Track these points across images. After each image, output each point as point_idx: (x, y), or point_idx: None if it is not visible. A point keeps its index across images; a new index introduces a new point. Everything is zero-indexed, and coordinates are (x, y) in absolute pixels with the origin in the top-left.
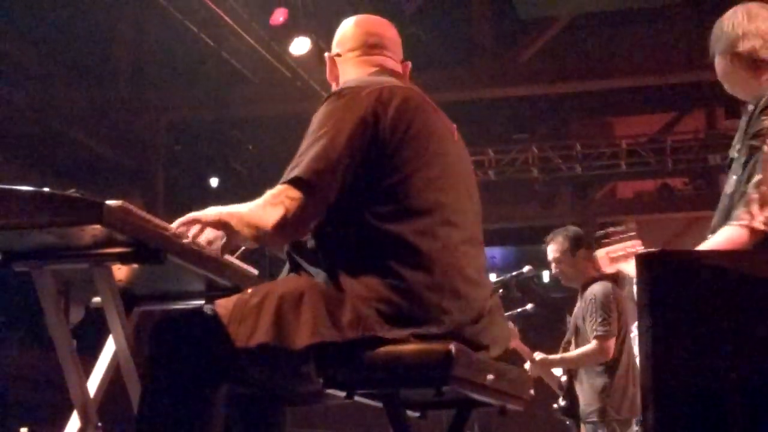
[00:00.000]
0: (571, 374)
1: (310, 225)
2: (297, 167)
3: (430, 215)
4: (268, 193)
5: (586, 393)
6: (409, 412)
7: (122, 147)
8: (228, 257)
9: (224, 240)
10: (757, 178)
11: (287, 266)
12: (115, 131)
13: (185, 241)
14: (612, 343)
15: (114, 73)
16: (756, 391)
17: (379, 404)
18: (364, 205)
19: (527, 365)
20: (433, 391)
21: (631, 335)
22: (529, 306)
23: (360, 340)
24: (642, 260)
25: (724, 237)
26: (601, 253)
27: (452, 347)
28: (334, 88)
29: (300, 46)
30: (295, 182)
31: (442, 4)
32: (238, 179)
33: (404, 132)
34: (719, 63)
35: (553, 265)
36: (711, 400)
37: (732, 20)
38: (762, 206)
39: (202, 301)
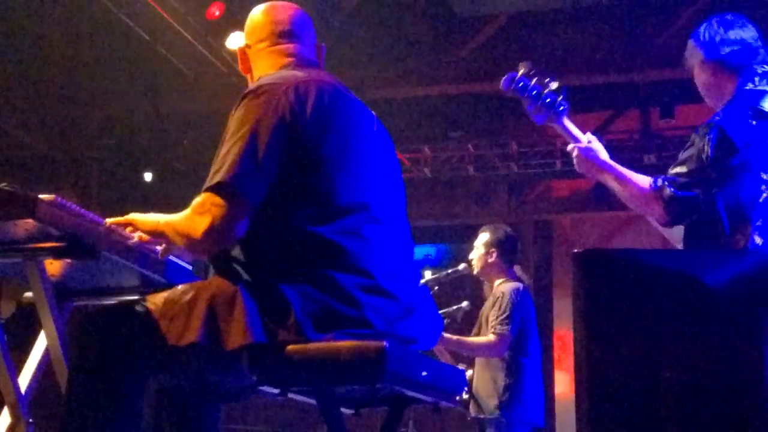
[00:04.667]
0: (475, 372)
1: (239, 230)
2: (219, 172)
3: (354, 214)
4: (195, 202)
5: (488, 389)
6: (344, 409)
7: (56, 140)
8: None
9: (163, 247)
10: None
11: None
12: (49, 124)
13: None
14: (506, 343)
15: (48, 65)
16: (689, 388)
17: (313, 401)
18: (289, 207)
19: None
20: (367, 388)
21: None
22: (464, 303)
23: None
24: (578, 258)
25: (642, 182)
26: None
27: (386, 344)
28: (249, 81)
29: (236, 40)
30: (217, 188)
31: (378, 2)
32: (173, 174)
33: (323, 129)
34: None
35: (473, 251)
36: (644, 397)
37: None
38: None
39: (136, 297)
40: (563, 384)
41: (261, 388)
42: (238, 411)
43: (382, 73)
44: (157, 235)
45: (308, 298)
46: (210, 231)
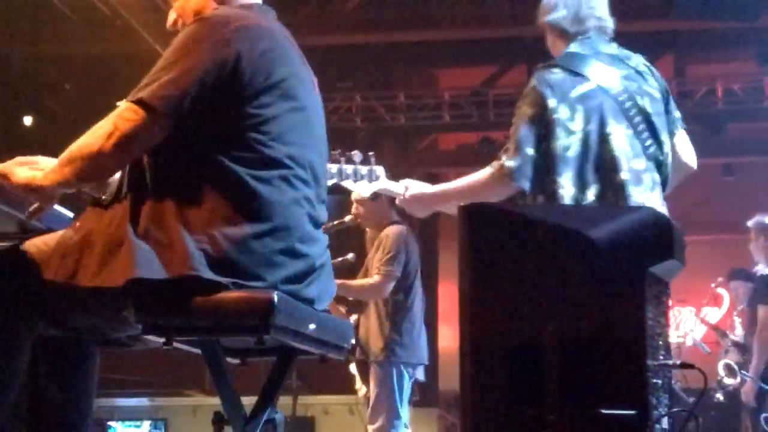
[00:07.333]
0: (361, 316)
1: (144, 147)
2: (145, 89)
3: (279, 167)
4: (106, 118)
5: (374, 333)
6: (230, 359)
7: None
8: None
9: (35, 206)
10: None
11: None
12: None
13: None
14: (391, 283)
15: None
16: (572, 342)
17: (198, 351)
18: (214, 144)
19: None
20: (254, 339)
21: None
22: (349, 255)
23: (182, 282)
24: (464, 212)
25: (479, 177)
26: None
27: (274, 296)
28: (177, 16)
29: None
30: (137, 103)
31: None
32: (53, 118)
33: (266, 77)
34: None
35: (354, 206)
36: (528, 350)
37: None
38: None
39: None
40: (447, 338)
41: (146, 336)
42: (118, 359)
43: None
44: (29, 190)
45: (208, 238)
46: (107, 142)
